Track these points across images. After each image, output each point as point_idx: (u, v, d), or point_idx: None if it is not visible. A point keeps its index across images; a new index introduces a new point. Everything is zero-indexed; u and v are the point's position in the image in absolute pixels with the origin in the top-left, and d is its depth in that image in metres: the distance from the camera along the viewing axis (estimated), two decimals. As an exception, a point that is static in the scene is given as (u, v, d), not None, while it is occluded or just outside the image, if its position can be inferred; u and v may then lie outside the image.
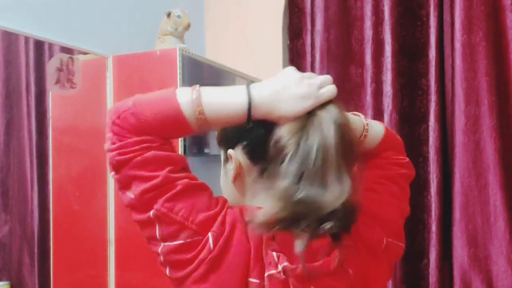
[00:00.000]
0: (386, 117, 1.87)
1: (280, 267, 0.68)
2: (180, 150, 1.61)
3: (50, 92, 1.64)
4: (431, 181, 1.79)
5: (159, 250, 0.71)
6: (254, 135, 0.77)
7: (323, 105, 0.73)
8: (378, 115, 1.89)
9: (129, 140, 0.71)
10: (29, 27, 1.47)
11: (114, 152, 0.71)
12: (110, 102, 1.71)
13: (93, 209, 1.68)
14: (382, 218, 0.80)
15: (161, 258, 0.72)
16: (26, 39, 1.54)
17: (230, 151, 0.79)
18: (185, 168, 0.74)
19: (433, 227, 1.77)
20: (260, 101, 0.72)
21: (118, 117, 0.72)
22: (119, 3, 1.87)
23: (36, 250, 1.61)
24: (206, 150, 2.06)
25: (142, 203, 0.71)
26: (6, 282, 1.52)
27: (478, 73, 1.72)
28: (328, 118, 0.71)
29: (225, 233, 0.70)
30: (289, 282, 0.68)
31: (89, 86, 1.69)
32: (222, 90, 0.76)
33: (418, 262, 1.84)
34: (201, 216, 0.70)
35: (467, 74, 1.73)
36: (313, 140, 0.69)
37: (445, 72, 1.83)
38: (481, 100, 1.71)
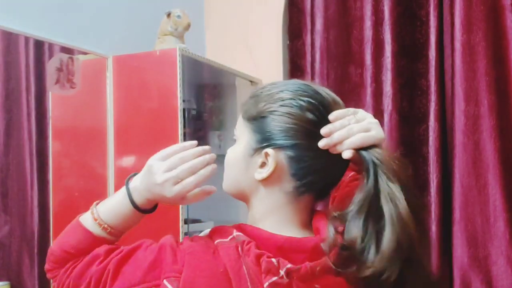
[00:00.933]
0: (386, 117, 1.87)
1: (282, 272, 0.66)
2: (180, 150, 1.61)
3: (50, 92, 1.64)
4: (431, 181, 1.79)
5: None
6: (307, 151, 0.73)
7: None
8: (378, 115, 1.89)
9: (59, 276, 0.79)
10: (29, 27, 1.47)
11: None
12: (110, 102, 1.71)
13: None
14: None
15: None
16: (26, 39, 1.54)
17: (269, 150, 0.73)
18: (111, 249, 0.77)
19: (433, 227, 1.77)
20: (141, 199, 0.78)
21: (47, 263, 0.81)
22: (119, 3, 1.87)
23: (36, 250, 1.61)
24: (206, 150, 2.06)
25: None
26: (6, 282, 1.52)
27: (478, 73, 1.72)
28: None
29: (185, 271, 0.68)
30: (293, 284, 0.67)
31: (89, 86, 1.69)
32: (111, 198, 0.82)
33: (418, 262, 1.84)
34: (139, 273, 0.71)
35: (467, 74, 1.73)
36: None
37: (445, 72, 1.83)
38: (481, 100, 1.71)
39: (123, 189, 0.80)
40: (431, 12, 1.82)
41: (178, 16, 1.77)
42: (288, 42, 2.16)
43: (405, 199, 0.66)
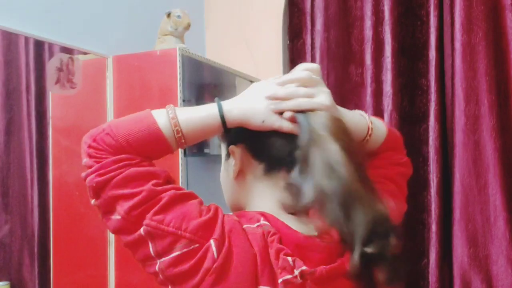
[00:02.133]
0: (386, 117, 1.87)
1: (296, 272, 0.66)
2: (180, 151, 1.61)
3: (50, 92, 1.64)
4: (431, 181, 1.79)
5: (157, 268, 0.69)
6: (258, 133, 0.77)
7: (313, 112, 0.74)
8: (378, 115, 1.89)
9: (106, 161, 0.70)
10: (29, 27, 1.47)
11: (93, 175, 0.70)
12: (110, 102, 1.71)
13: (93, 209, 1.67)
14: None
15: (160, 276, 0.69)
16: (26, 39, 1.54)
17: (232, 147, 0.79)
18: (169, 181, 0.73)
19: (433, 227, 1.77)
20: (230, 109, 0.75)
21: (94, 140, 0.71)
22: (119, 3, 1.87)
23: (36, 250, 1.61)
24: (206, 150, 2.06)
25: (131, 222, 0.69)
26: (6, 282, 1.52)
27: (478, 73, 1.72)
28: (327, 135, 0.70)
29: (227, 240, 0.68)
30: (306, 286, 0.67)
31: (89, 86, 1.69)
32: (193, 108, 0.77)
33: (418, 262, 1.84)
34: (194, 223, 0.68)
35: (467, 74, 1.73)
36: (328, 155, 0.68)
37: (445, 72, 1.83)
38: (481, 99, 1.71)
39: (210, 105, 0.76)
40: (431, 12, 1.82)
41: (178, 16, 1.77)
42: (288, 42, 2.16)
43: (346, 159, 0.68)
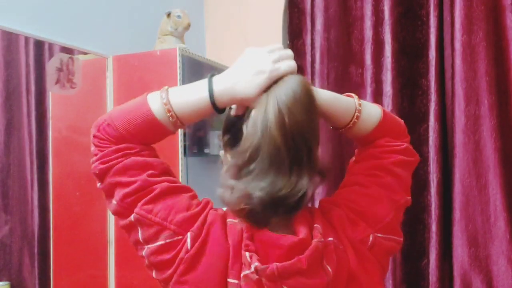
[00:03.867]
0: (386, 117, 1.87)
1: (252, 267, 0.68)
2: (180, 151, 1.61)
3: (50, 92, 1.64)
4: (431, 181, 1.79)
5: (144, 253, 0.73)
6: (231, 129, 0.80)
7: (281, 79, 0.74)
8: (378, 115, 1.89)
9: (109, 149, 0.75)
10: (29, 27, 1.47)
11: (97, 162, 0.75)
12: (110, 102, 1.71)
13: (93, 209, 1.68)
14: (369, 214, 0.78)
15: (146, 261, 0.74)
16: (26, 39, 1.54)
17: (220, 152, 0.83)
18: (166, 172, 0.77)
19: (433, 227, 1.77)
20: (220, 90, 0.74)
21: (98, 130, 0.76)
22: (119, 3, 1.87)
23: (36, 250, 1.61)
24: (206, 150, 2.06)
25: (124, 208, 0.73)
26: (6, 282, 1.52)
27: (478, 73, 1.72)
28: (279, 90, 0.71)
29: (203, 233, 0.72)
30: (262, 281, 0.68)
31: (89, 86, 1.69)
32: (187, 88, 0.78)
33: (418, 262, 1.84)
34: (179, 216, 0.72)
35: (467, 74, 1.72)
36: (257, 122, 0.70)
37: (445, 72, 1.83)
38: (481, 100, 1.71)
39: (203, 82, 0.76)
40: (431, 12, 1.82)
41: (178, 16, 1.77)
42: (288, 42, 2.16)
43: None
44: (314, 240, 0.70)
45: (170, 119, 0.75)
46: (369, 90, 1.92)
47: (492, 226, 1.69)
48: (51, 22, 1.57)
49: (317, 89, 0.76)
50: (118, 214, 0.75)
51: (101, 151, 0.75)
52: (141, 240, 0.73)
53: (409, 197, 0.84)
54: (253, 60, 0.74)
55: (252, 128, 0.70)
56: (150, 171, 0.74)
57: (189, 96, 0.76)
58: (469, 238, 1.71)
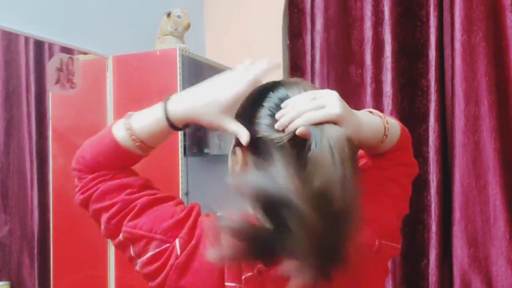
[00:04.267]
0: (386, 117, 1.87)
1: (256, 269, 0.68)
2: (180, 151, 1.61)
3: (50, 92, 1.64)
4: (431, 181, 1.79)
5: (138, 267, 0.76)
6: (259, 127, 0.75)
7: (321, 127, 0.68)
8: (378, 115, 1.89)
9: (85, 180, 0.78)
10: (29, 27, 1.47)
11: (78, 193, 0.79)
12: (110, 102, 1.71)
13: (93, 209, 1.67)
14: (376, 221, 0.78)
15: (141, 274, 0.76)
16: (26, 39, 1.54)
17: (236, 148, 0.78)
18: (145, 187, 0.78)
19: (433, 227, 1.77)
20: (176, 112, 0.75)
21: (76, 163, 0.80)
22: (119, 3, 1.87)
23: (36, 250, 1.61)
24: (206, 150, 2.06)
25: (112, 230, 0.76)
26: (6, 282, 1.52)
27: (478, 73, 1.72)
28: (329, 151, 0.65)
29: (194, 239, 0.72)
30: (266, 283, 0.68)
31: (89, 86, 1.69)
32: (147, 114, 0.78)
33: (418, 262, 1.84)
34: (164, 225, 0.73)
35: (467, 74, 1.73)
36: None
37: (445, 72, 1.83)
38: (481, 100, 1.71)
39: (157, 108, 0.77)
40: (431, 12, 1.82)
41: (178, 16, 1.77)
42: (288, 42, 2.16)
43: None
44: None
45: (136, 143, 0.77)
46: (369, 90, 1.92)
47: (492, 226, 1.69)
48: (51, 22, 1.57)
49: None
50: (109, 236, 0.78)
51: (80, 182, 0.79)
52: (133, 255, 0.76)
53: (408, 207, 0.87)
54: (212, 84, 0.77)
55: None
56: (128, 190, 0.77)
57: (148, 119, 0.77)
58: (468, 239, 1.72)
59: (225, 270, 0.70)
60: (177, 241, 0.72)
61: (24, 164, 1.60)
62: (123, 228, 0.75)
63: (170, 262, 0.72)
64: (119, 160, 0.79)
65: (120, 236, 0.75)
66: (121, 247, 0.77)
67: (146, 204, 0.75)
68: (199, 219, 0.75)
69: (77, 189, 0.79)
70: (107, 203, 0.76)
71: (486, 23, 1.71)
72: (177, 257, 0.72)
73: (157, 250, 0.73)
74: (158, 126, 0.76)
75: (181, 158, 1.60)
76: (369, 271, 0.76)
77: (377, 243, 0.77)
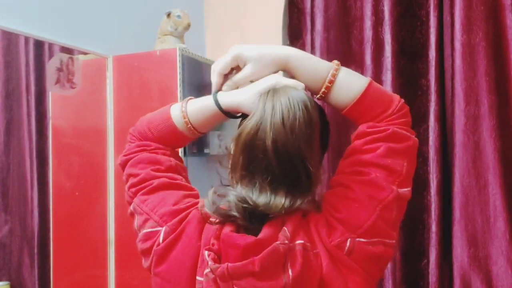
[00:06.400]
0: (386, 117, 1.87)
1: (209, 266, 0.70)
2: (180, 150, 1.61)
3: (50, 92, 1.64)
4: (431, 181, 1.79)
5: (137, 240, 0.80)
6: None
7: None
8: (378, 115, 1.89)
9: (132, 145, 0.86)
10: (29, 27, 1.47)
11: (122, 154, 0.86)
12: (110, 102, 1.71)
13: (93, 209, 1.68)
14: (348, 219, 0.73)
15: (138, 247, 0.80)
16: (26, 39, 1.54)
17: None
18: (173, 170, 0.84)
19: (433, 227, 1.77)
20: (225, 95, 0.82)
21: (133, 129, 0.88)
22: (119, 3, 1.87)
23: (36, 250, 1.61)
24: (206, 150, 2.06)
25: (130, 196, 0.82)
26: (6, 282, 1.52)
27: (478, 73, 1.72)
28: (276, 100, 0.74)
29: (178, 230, 0.75)
30: (217, 280, 0.69)
31: (89, 86, 1.70)
32: (203, 99, 0.85)
33: (418, 262, 1.84)
34: (164, 209, 0.77)
35: (467, 74, 1.72)
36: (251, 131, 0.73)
37: (445, 72, 1.83)
38: (481, 100, 1.71)
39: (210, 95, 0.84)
40: (431, 12, 1.82)
41: (178, 16, 1.77)
42: (288, 42, 2.16)
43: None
44: (276, 242, 0.68)
45: (186, 124, 0.83)
46: (369, 90, 1.92)
47: (492, 226, 1.69)
48: (51, 22, 1.57)
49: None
50: (127, 202, 0.83)
51: (128, 146, 0.87)
52: (136, 227, 0.80)
53: (406, 189, 0.77)
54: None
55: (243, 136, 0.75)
56: (156, 166, 0.82)
57: (201, 102, 0.84)
58: (468, 238, 1.71)
59: (198, 263, 0.73)
60: (164, 228, 0.76)
61: (24, 164, 1.60)
62: (135, 199, 0.80)
63: (154, 248, 0.76)
64: (168, 137, 0.85)
65: (131, 206, 0.81)
66: (131, 216, 0.82)
67: (161, 185, 0.80)
68: (192, 212, 0.78)
69: (124, 151, 0.86)
70: (136, 171, 0.82)
71: (486, 23, 1.71)
72: (158, 244, 0.75)
73: (150, 230, 0.77)
74: (209, 109, 0.82)
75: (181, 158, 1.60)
76: (341, 273, 0.71)
77: (348, 242, 0.72)
